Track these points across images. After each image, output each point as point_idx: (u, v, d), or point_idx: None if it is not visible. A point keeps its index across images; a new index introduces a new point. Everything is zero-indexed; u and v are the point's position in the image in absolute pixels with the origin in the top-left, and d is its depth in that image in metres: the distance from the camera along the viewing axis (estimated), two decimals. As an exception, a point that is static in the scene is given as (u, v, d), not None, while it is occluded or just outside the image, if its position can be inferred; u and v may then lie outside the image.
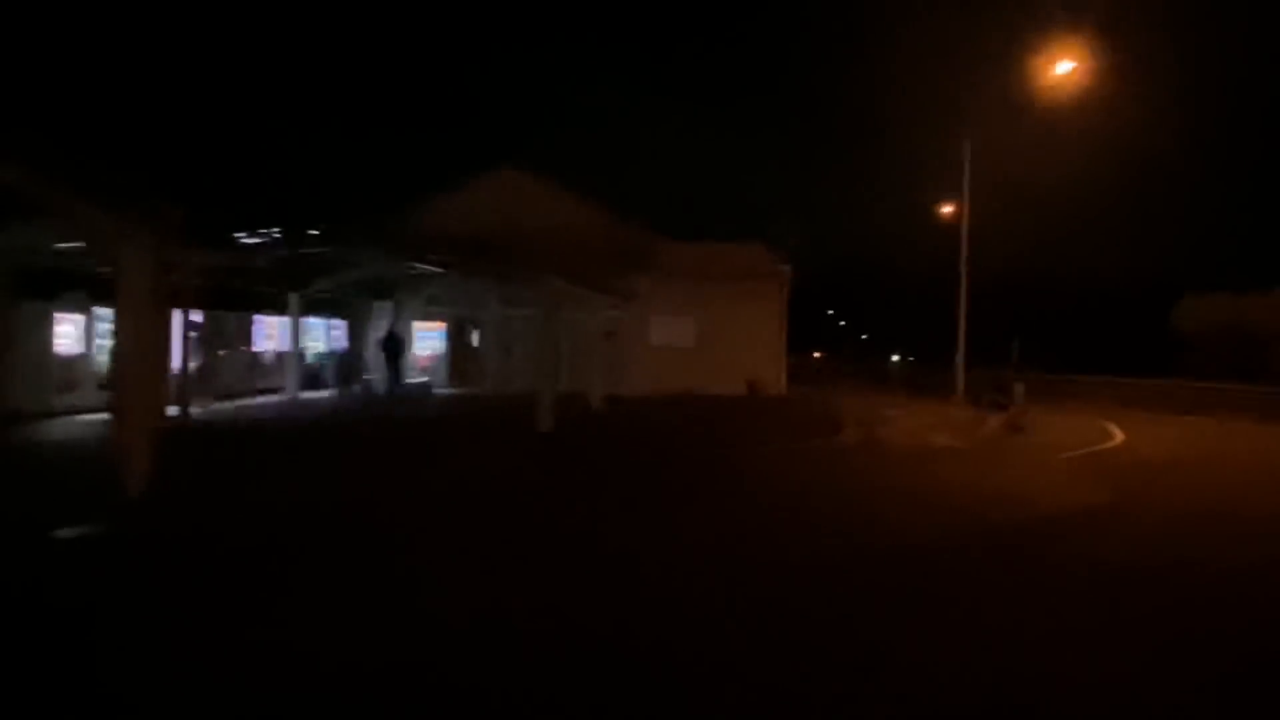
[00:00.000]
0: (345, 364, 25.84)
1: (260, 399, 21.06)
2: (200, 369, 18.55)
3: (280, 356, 24.07)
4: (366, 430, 15.66)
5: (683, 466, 12.49)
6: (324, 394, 23.27)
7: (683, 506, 9.55)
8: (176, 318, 15.53)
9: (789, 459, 13.85)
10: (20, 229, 9.11)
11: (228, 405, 19.17)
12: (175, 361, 18.56)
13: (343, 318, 27.18)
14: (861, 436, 17.11)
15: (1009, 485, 12.02)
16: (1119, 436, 19.40)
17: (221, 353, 20.99)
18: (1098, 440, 18.51)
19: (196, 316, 19.33)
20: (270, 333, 22.87)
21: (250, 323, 22.16)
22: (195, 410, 17.86)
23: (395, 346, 23.59)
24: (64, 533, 7.44)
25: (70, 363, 16.46)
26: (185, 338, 18.71)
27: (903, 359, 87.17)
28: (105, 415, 15.23)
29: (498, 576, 6.63)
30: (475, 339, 28.47)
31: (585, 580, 6.62)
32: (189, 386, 18.44)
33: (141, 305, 8.99)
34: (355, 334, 26.88)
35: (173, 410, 16.60)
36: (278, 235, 15.37)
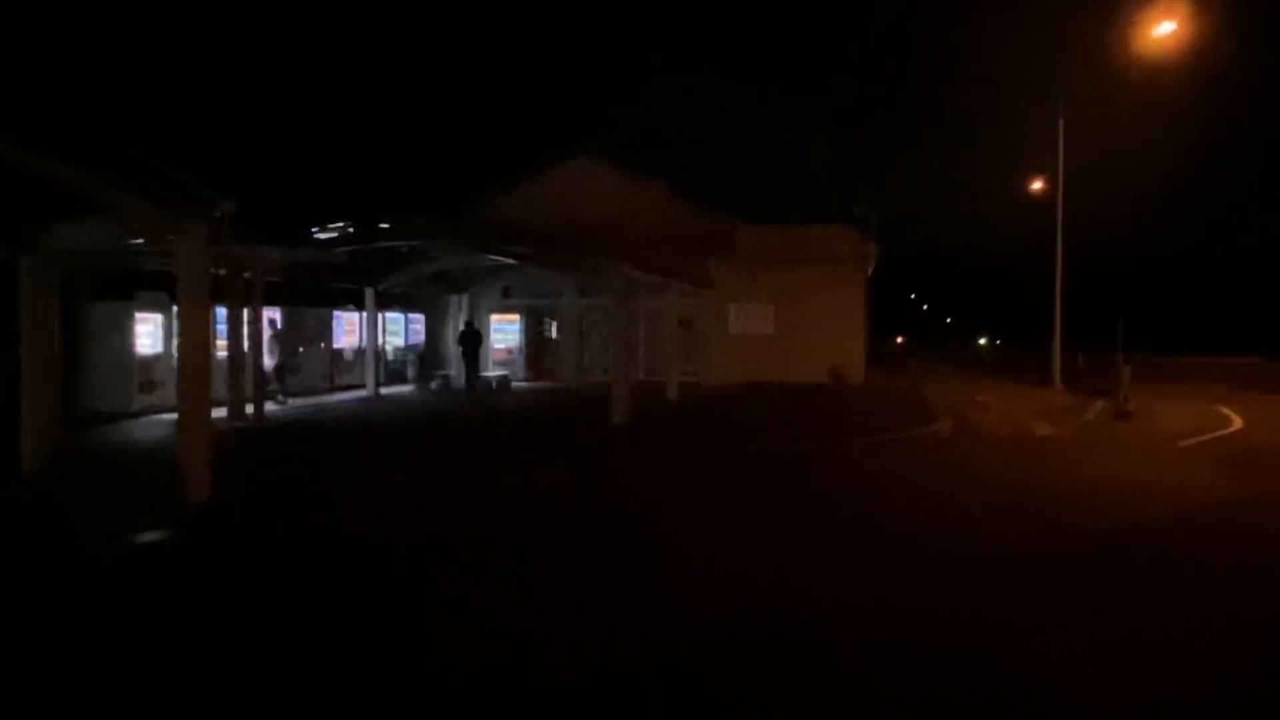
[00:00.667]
0: (425, 359, 25.81)
1: (340, 395, 21.07)
2: (278, 367, 18.58)
3: (359, 352, 24.19)
4: (437, 429, 15.39)
5: (773, 464, 11.85)
6: (404, 389, 23.22)
7: (786, 511, 8.92)
8: (254, 316, 15.41)
9: (885, 452, 13.08)
10: (76, 226, 8.93)
11: (306, 403, 19.18)
12: (260, 359, 18.74)
13: (421, 312, 27.19)
14: (957, 426, 16.20)
15: (1128, 478, 11.08)
16: (1237, 421, 18.03)
17: (301, 349, 21.06)
18: (1214, 426, 17.20)
19: (274, 314, 19.41)
20: (349, 329, 22.88)
21: (329, 319, 22.20)
22: (274, 408, 17.91)
23: (473, 340, 23.39)
24: (115, 542, 7.20)
25: (149, 363, 16.58)
26: (263, 335, 18.82)
27: (989, 342, 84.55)
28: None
29: (584, 603, 6.13)
30: (553, 330, 28.17)
31: (713, 603, 6.03)
32: (269, 384, 18.53)
33: (199, 303, 8.76)
34: (433, 328, 26.83)
35: (250, 409, 16.65)
36: (350, 229, 15.18)
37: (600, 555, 7.06)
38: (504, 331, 27.28)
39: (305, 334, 21.36)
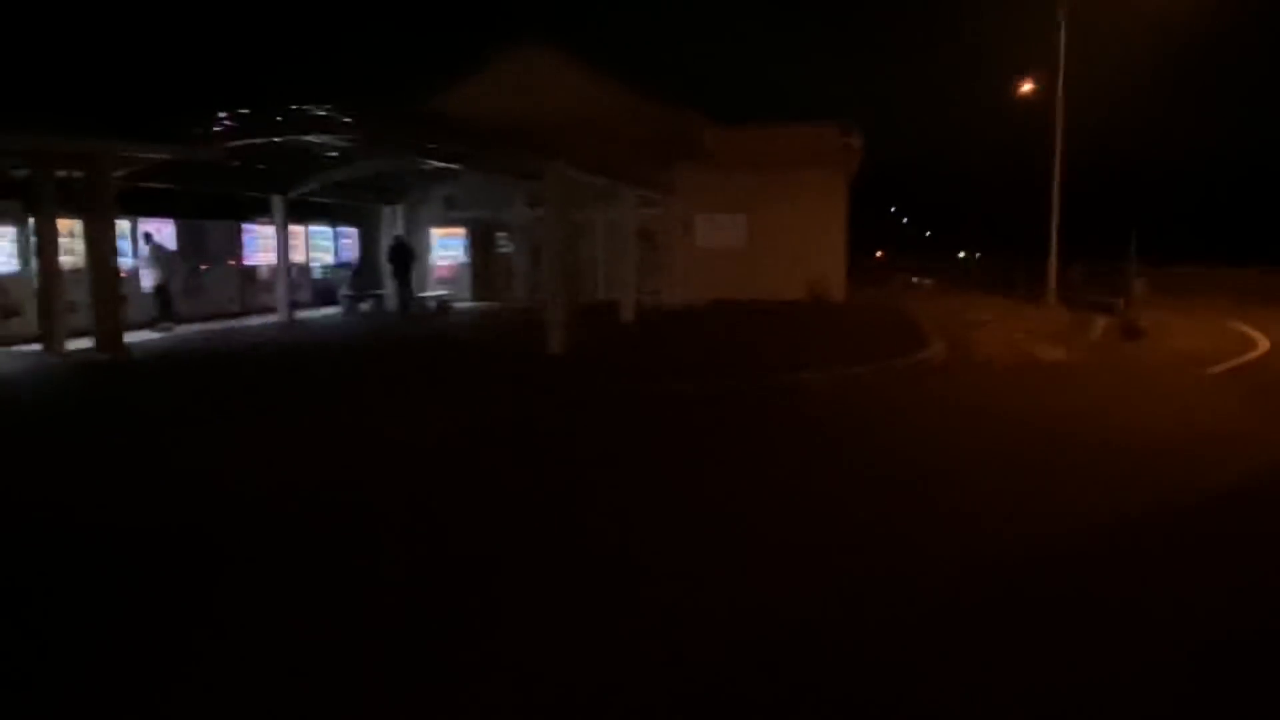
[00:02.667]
0: (357, 277, 23.14)
1: (250, 321, 18.50)
2: (159, 288, 15.94)
3: (298, 270, 21.52)
4: (334, 360, 12.93)
5: (735, 406, 9.51)
6: (328, 312, 20.63)
7: (747, 487, 6.58)
8: (104, 227, 12.71)
9: (874, 387, 10.78)
10: None
11: (202, 330, 16.61)
12: (144, 280, 16.12)
13: (356, 225, 24.42)
14: (952, 350, 13.92)
15: (1177, 419, 8.86)
16: (1262, 341, 15.88)
17: (203, 268, 18.39)
18: (1238, 347, 15.04)
19: (156, 226, 16.72)
20: (266, 244, 20.18)
21: (237, 233, 19.48)
22: (156, 336, 15.37)
23: (403, 256, 20.76)
24: None
25: (4, 284, 13.93)
26: (139, 251, 16.17)
27: (969, 256, 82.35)
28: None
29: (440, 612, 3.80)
30: (502, 246, 25.48)
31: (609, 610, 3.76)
32: (157, 307, 15.97)
33: (49, 211, 6.23)
34: (369, 243, 24.10)
35: (132, 336, 14.14)
36: (231, 124, 12.45)
37: (449, 560, 4.75)
38: (448, 247, 24.58)
39: (207, 250, 18.66)
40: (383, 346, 14.37)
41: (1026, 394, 10.56)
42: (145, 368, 11.91)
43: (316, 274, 22.57)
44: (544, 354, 12.16)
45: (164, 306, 16.02)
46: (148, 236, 16.11)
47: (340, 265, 23.27)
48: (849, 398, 10.04)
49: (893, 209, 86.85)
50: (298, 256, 21.93)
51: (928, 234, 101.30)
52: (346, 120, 12.48)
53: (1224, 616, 4.15)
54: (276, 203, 17.96)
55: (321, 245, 23.19)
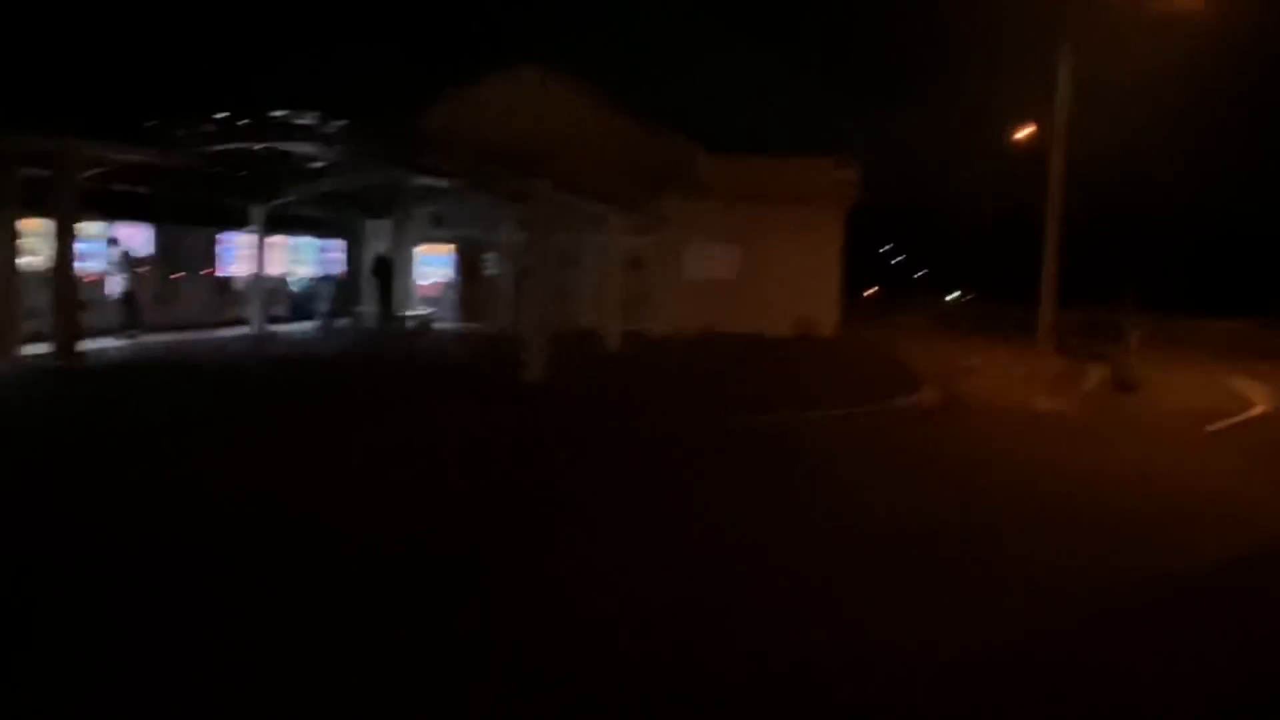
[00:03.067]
0: (339, 292, 22.58)
1: (221, 333, 17.91)
2: (126, 295, 15.36)
3: (278, 282, 20.97)
4: (295, 379, 12.37)
5: (714, 446, 9.00)
6: (301, 326, 20.05)
7: (723, 523, 6.06)
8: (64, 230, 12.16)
9: (862, 432, 10.28)
10: None
11: (167, 340, 16.02)
12: (112, 286, 15.56)
13: (343, 238, 23.89)
14: (943, 395, 13.44)
15: (1180, 480, 8.37)
16: (1258, 399, 15.45)
17: (175, 276, 17.83)
18: (1235, 405, 14.60)
19: (126, 231, 16.18)
20: (245, 255, 19.61)
21: (213, 241, 18.93)
22: (118, 343, 14.80)
23: (384, 273, 20.25)
24: None
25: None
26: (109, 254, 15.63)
27: (960, 296, 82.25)
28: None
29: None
30: (489, 267, 24.97)
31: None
32: (125, 315, 15.41)
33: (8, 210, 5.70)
34: (354, 258, 23.57)
35: (96, 344, 13.60)
36: (206, 129, 11.98)
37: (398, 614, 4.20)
38: (433, 266, 24.05)
39: (182, 258, 18.10)
40: (347, 365, 13.83)
41: (1019, 445, 10.07)
42: (93, 377, 11.33)
43: (296, 287, 22.01)
44: (519, 382, 11.63)
45: (130, 314, 15.45)
46: (114, 241, 15.55)
47: (321, 279, 22.71)
48: (837, 442, 9.54)
49: (885, 247, 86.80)
50: (277, 268, 21.40)
51: (920, 274, 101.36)
52: (326, 130, 12.02)
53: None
54: (255, 212, 17.45)
55: (303, 258, 22.65)
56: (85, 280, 15.58)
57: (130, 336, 15.24)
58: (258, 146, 13.12)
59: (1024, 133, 30.46)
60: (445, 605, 4.44)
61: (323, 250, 23.30)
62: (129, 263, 15.36)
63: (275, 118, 11.55)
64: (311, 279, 22.32)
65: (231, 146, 12.49)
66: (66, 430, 8.25)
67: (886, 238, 79.64)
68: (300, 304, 21.53)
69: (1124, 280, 20.08)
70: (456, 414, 9.53)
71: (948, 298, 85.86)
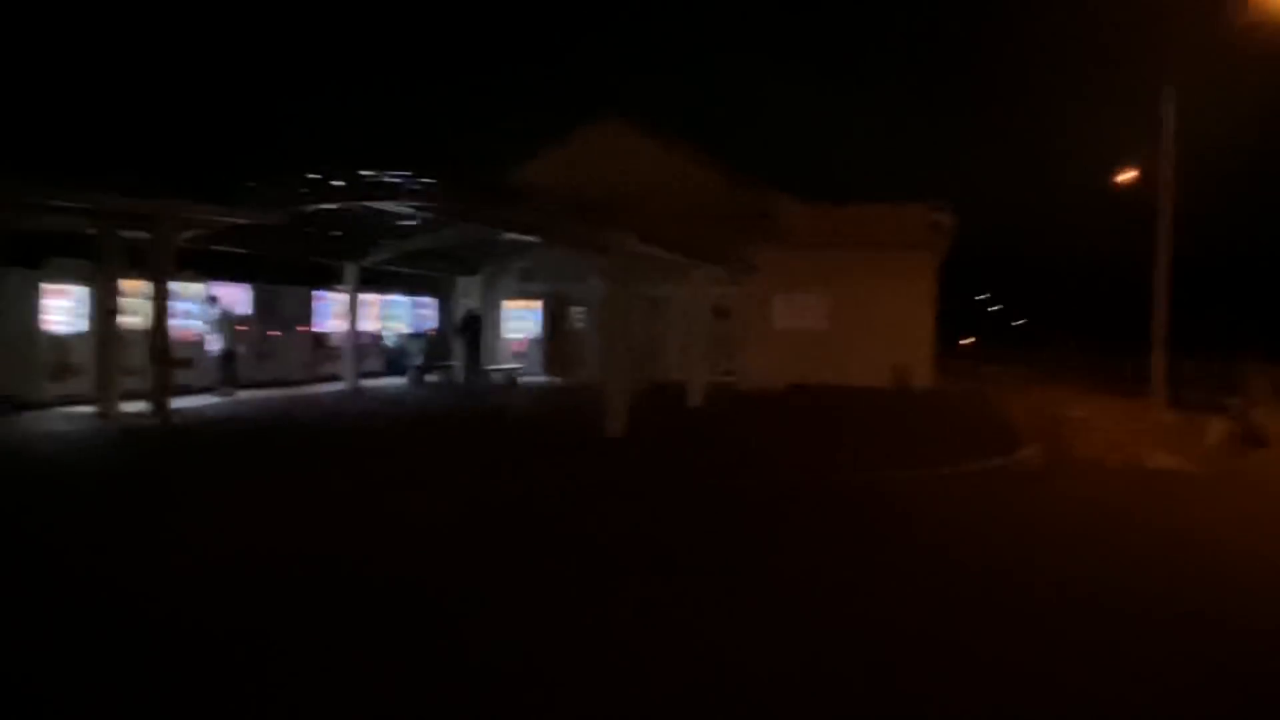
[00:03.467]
0: (430, 348, 22.89)
1: (315, 388, 18.25)
2: (225, 354, 15.75)
3: (371, 339, 21.41)
4: (383, 432, 12.38)
5: (811, 504, 8.55)
6: (394, 382, 20.30)
7: (838, 591, 5.64)
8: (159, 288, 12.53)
9: (964, 490, 9.68)
10: None
11: (262, 397, 16.36)
12: (210, 344, 15.99)
13: (434, 295, 24.32)
14: (1049, 451, 12.65)
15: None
16: None
17: (272, 334, 18.29)
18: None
19: (224, 290, 16.67)
20: (340, 311, 20.05)
21: (308, 299, 19.40)
22: (215, 401, 15.15)
23: (473, 328, 20.42)
24: None
25: (64, 343, 13.86)
26: (207, 315, 16.08)
27: (1061, 345, 79.11)
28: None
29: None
30: (577, 320, 25.03)
31: None
32: (223, 372, 15.80)
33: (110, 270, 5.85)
34: (443, 314, 23.94)
35: (193, 401, 13.94)
36: (302, 190, 12.26)
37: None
38: (521, 320, 24.21)
39: (279, 316, 18.58)
40: (434, 420, 13.83)
41: (1138, 509, 9.30)
42: (185, 435, 11.52)
43: (390, 342, 22.39)
44: (599, 437, 11.40)
45: (228, 371, 15.84)
46: (213, 300, 16.02)
47: (413, 335, 23.07)
48: (939, 504, 8.96)
49: (982, 296, 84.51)
50: (371, 324, 21.84)
51: (1017, 322, 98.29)
52: (413, 187, 12.15)
53: None
54: (349, 270, 17.82)
55: (396, 314, 23.08)
56: (185, 339, 16.16)
57: (227, 394, 15.60)
58: (349, 206, 13.39)
59: (1126, 175, 29.37)
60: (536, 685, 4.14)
61: (415, 307, 23.72)
62: (227, 321, 15.80)
63: (366, 177, 11.73)
64: (404, 335, 22.69)
65: (324, 206, 12.72)
66: (162, 482, 8.31)
67: (982, 286, 77.49)
68: (394, 359, 21.87)
69: (1243, 327, 18.87)
70: (539, 471, 9.32)
71: (1049, 345, 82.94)
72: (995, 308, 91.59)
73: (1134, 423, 18.07)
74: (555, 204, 12.51)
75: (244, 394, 16.16)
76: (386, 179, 11.53)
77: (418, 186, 11.56)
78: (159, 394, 12.22)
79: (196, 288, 16.29)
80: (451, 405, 16.16)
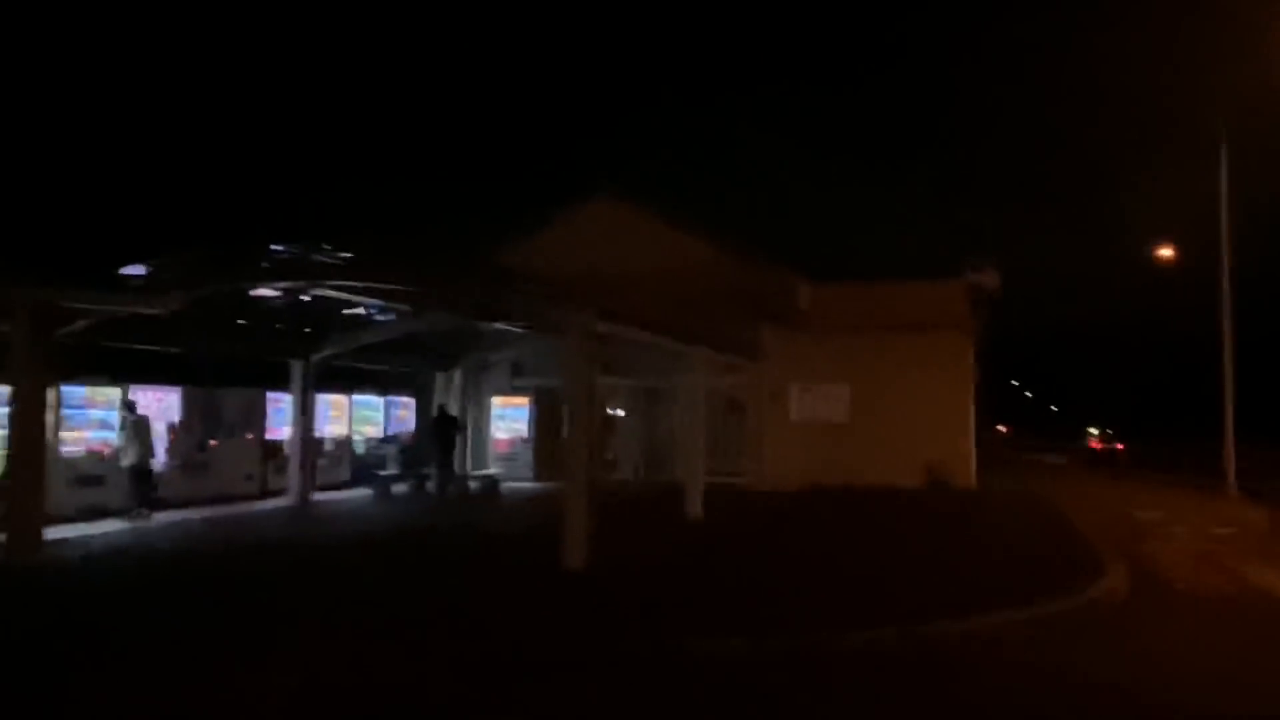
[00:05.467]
0: (403, 454, 20.50)
1: (266, 503, 15.86)
2: (136, 470, 13.42)
3: (338, 444, 19.13)
4: (297, 570, 9.88)
5: (825, 690, 5.95)
6: (352, 495, 17.85)
7: None
8: (33, 393, 10.26)
9: (1033, 654, 7.01)
10: None
11: (190, 517, 13.97)
12: (122, 459, 13.70)
13: (412, 395, 22.04)
14: (1134, 577, 9.88)
15: None
16: None
17: (212, 442, 15.99)
18: None
19: (146, 394, 14.47)
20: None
21: (260, 401, 17.14)
22: (126, 525, 12.81)
23: (445, 430, 18.06)
24: None
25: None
26: (115, 424, 13.85)
27: (1101, 433, 75.51)
28: None
29: None
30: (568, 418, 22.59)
31: None
32: (135, 492, 13.47)
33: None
34: (421, 415, 21.60)
35: (98, 528, 11.64)
36: (188, 269, 10.06)
37: None
38: (508, 419, 21.84)
39: (221, 422, 16.30)
40: (369, 547, 11.29)
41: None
42: (43, 583, 9.07)
43: (360, 448, 20.05)
44: (552, 571, 8.84)
45: (141, 490, 13.48)
46: (130, 406, 13.79)
47: (385, 439, 20.74)
48: (1000, 681, 6.28)
49: (1015, 382, 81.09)
50: (338, 429, 19.55)
51: (1053, 409, 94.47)
52: (333, 264, 9.92)
53: None
54: (296, 369, 15.59)
55: (369, 416, 20.80)
56: (96, 453, 13.91)
57: (139, 517, 13.22)
58: (250, 287, 11.13)
59: (1167, 251, 26.98)
60: None
61: (391, 407, 21.45)
62: (138, 431, 13.51)
63: (265, 251, 9.55)
64: (373, 440, 20.36)
65: (219, 289, 10.49)
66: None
67: (1015, 370, 74.27)
68: (366, 467, 19.49)
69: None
70: (435, 630, 6.77)
71: (1090, 432, 79.11)
72: (1028, 394, 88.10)
73: (1218, 524, 15.22)
74: (505, 281, 10.21)
75: (168, 515, 13.79)
76: (285, 254, 9.32)
77: (334, 262, 9.35)
78: (21, 526, 9.85)
79: (110, 392, 14.10)
80: (404, 525, 13.64)
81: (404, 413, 21.83)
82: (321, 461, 18.27)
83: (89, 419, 13.92)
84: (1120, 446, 43.05)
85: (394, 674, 5.98)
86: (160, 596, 8.25)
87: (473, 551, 10.78)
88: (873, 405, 19.61)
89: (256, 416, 17.06)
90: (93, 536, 11.81)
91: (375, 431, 20.77)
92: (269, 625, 7.03)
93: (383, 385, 21.18)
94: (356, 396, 20.33)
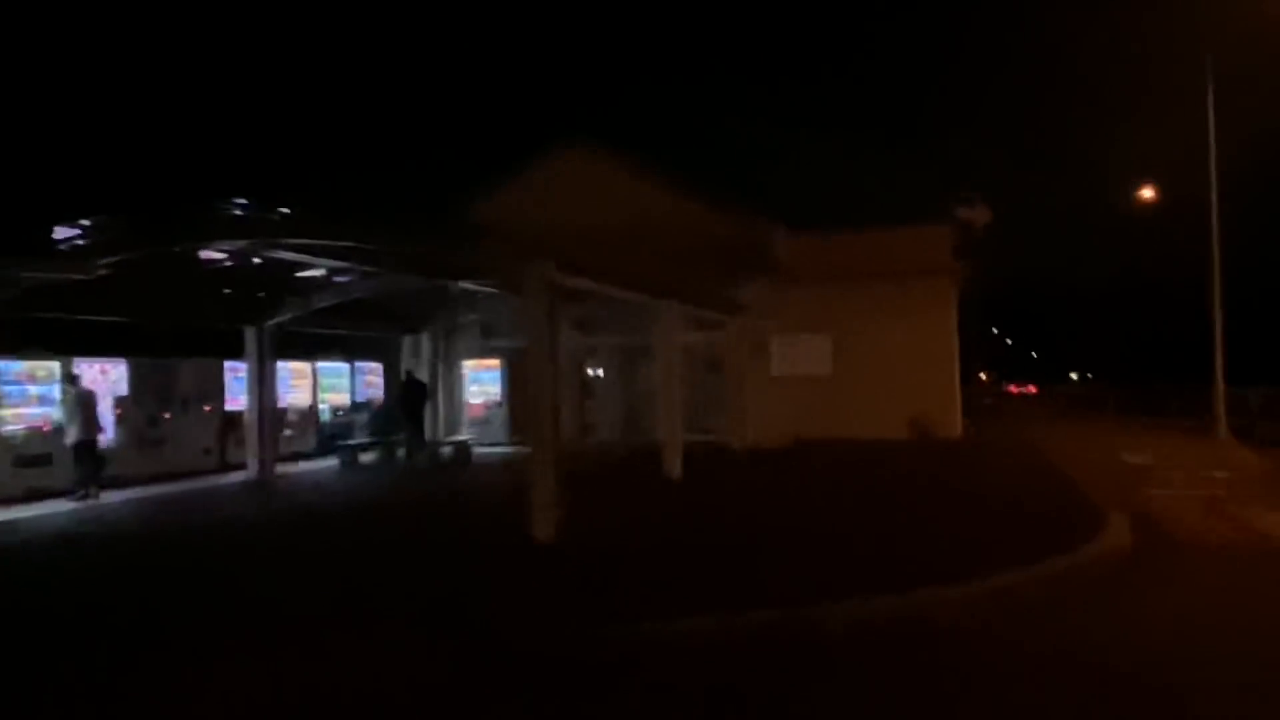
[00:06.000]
0: (381, 420, 19.80)
1: (226, 477, 15.13)
2: (79, 445, 12.64)
3: (302, 414, 18.38)
4: (255, 548, 9.23)
5: (797, 667, 5.35)
6: (318, 466, 17.14)
7: None
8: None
9: (1043, 617, 6.45)
10: None
11: (139, 494, 13.25)
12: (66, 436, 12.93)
13: (380, 360, 21.25)
14: (1138, 527, 9.35)
15: None
16: None
17: (166, 415, 15.21)
18: None
19: (103, 366, 13.69)
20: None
21: (217, 372, 16.33)
22: (72, 506, 12.08)
23: (414, 396, 17.34)
24: None
25: None
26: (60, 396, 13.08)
27: (1081, 378, 75.48)
28: None
29: None
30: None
31: None
32: (80, 470, 12.72)
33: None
34: (390, 381, 20.85)
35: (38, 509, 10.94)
36: (101, 232, 9.24)
37: None
38: (481, 383, 21.11)
39: (175, 394, 15.51)
40: (323, 524, 10.60)
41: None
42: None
43: (325, 417, 19.30)
44: (518, 544, 8.20)
45: (86, 468, 12.72)
46: (73, 380, 12.98)
47: (354, 407, 20.00)
48: (1006, 655, 5.69)
49: (994, 329, 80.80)
50: (302, 398, 18.79)
51: (1033, 355, 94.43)
52: (267, 219, 9.10)
53: None
54: (249, 335, 14.77)
55: (336, 384, 20.01)
56: (38, 430, 13.12)
57: (85, 496, 12.47)
58: (165, 249, 10.28)
59: (1149, 192, 26.40)
60: None
61: (359, 374, 20.67)
62: (79, 405, 12.71)
63: (208, 211, 8.72)
64: (339, 409, 19.61)
65: (129, 256, 9.62)
66: None
67: (995, 317, 73.85)
68: (332, 437, 18.76)
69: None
70: (373, 631, 6.12)
71: (1070, 377, 79.08)
72: (1008, 341, 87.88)
73: (1214, 467, 14.77)
74: (458, 234, 9.38)
75: (120, 494, 13.06)
76: (219, 212, 8.51)
77: (261, 218, 8.54)
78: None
79: (51, 366, 13.28)
80: (364, 498, 12.94)
81: (372, 379, 21.09)
82: (286, 432, 17.56)
83: (27, 395, 13.11)
84: (1033, 389, 42.27)
85: (332, 673, 5.33)
86: (83, 585, 7.55)
87: (434, 525, 10.12)
88: (856, 356, 19.04)
89: (213, 387, 16.27)
90: (29, 519, 11.09)
91: (343, 399, 20.03)
92: (206, 617, 6.36)
93: (349, 351, 20.39)
94: (321, 364, 19.55)
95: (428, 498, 12.75)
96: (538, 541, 8.30)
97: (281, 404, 18.08)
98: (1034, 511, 9.89)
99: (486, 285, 12.61)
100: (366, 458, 17.39)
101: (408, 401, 17.28)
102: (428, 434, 19.44)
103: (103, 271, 9.40)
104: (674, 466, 13.01)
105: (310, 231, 8.81)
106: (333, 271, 13.24)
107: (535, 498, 8.36)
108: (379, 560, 8.15)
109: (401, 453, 17.60)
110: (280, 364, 18.15)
